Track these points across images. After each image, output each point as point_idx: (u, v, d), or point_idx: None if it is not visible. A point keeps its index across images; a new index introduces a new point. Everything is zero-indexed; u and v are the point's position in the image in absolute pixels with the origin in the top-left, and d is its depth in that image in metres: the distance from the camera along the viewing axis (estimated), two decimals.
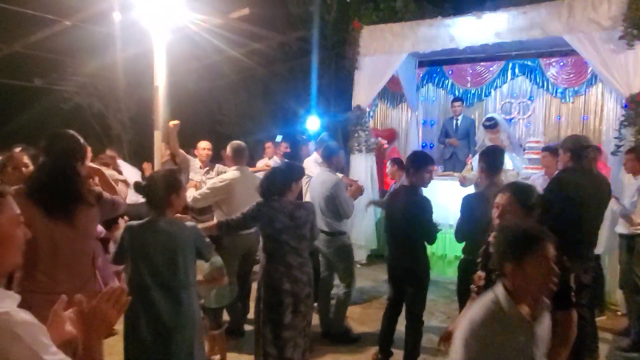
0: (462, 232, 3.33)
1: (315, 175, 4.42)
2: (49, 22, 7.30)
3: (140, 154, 6.29)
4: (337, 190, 4.02)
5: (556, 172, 3.69)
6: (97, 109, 10.58)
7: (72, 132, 2.46)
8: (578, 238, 3.24)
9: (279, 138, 7.81)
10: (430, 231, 3.44)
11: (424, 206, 3.41)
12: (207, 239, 2.66)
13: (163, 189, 2.50)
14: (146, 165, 6.52)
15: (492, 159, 3.37)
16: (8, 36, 7.94)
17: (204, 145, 5.15)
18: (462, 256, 3.44)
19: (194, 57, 8.91)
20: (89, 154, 2.59)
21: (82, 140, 2.47)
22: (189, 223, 2.64)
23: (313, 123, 8.11)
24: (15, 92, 10.30)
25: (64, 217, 2.26)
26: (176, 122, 4.70)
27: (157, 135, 5.73)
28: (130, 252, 2.48)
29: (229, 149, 4.36)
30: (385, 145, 7.90)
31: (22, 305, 2.02)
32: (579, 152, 3.31)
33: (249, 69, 10.69)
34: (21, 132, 9.02)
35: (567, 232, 3.21)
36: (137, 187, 2.58)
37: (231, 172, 4.20)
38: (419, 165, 3.48)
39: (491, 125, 6.52)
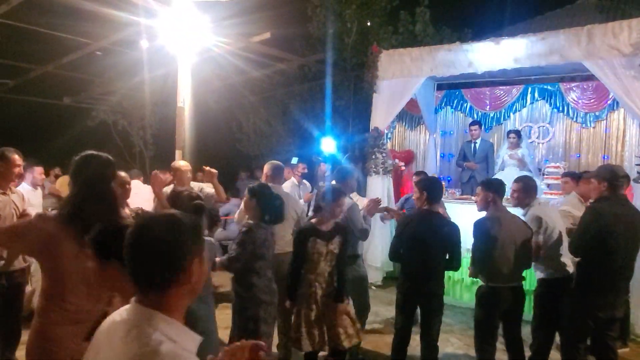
0: (478, 258, 3.37)
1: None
2: (80, 44, 7.64)
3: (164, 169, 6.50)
4: (351, 212, 4.05)
5: (590, 202, 3.64)
6: (122, 126, 10.91)
7: (103, 154, 2.27)
8: (614, 270, 3.19)
9: (294, 160, 7.89)
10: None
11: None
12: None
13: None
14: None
15: (498, 187, 3.49)
16: (42, 57, 8.32)
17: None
18: (481, 282, 3.44)
19: (216, 78, 9.15)
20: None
21: (112, 160, 2.28)
22: (207, 238, 2.74)
23: (328, 144, 8.19)
24: (46, 109, 10.75)
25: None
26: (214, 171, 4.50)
27: (178, 154, 5.88)
28: None
29: (267, 168, 4.36)
30: (403, 168, 7.92)
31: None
32: (614, 182, 3.26)
33: (269, 90, 10.93)
34: (49, 146, 9.40)
35: (603, 263, 3.19)
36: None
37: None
38: (440, 195, 3.56)
39: (516, 132, 6.66)
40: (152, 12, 5.94)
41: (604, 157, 7.29)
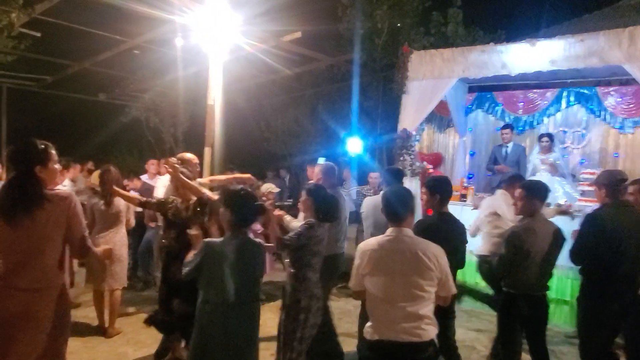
0: (506, 264, 3.27)
1: (371, 199, 4.41)
2: (116, 42, 7.85)
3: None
4: None
5: (592, 210, 3.54)
6: (153, 122, 11.15)
7: (31, 139, 2.51)
8: (616, 278, 3.11)
9: (321, 160, 7.87)
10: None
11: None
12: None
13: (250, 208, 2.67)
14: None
15: (536, 191, 3.31)
16: (79, 54, 8.59)
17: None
18: (504, 289, 3.37)
19: (246, 77, 9.24)
20: (54, 157, 2.52)
21: (41, 145, 2.49)
22: (258, 240, 2.77)
23: (355, 145, 8.15)
24: (82, 105, 11.10)
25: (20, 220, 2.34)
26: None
27: (208, 152, 5.96)
28: (208, 269, 2.58)
29: (319, 170, 4.33)
30: (431, 170, 7.81)
31: None
32: (614, 187, 3.20)
33: (297, 89, 10.97)
34: (84, 141, 9.70)
35: (604, 271, 3.12)
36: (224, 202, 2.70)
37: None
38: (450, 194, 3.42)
39: (549, 136, 6.45)
40: (186, 11, 6.05)
41: None
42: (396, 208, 2.51)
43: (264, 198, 6.51)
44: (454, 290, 2.52)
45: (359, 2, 9.37)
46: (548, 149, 6.55)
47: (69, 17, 6.70)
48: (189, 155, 4.05)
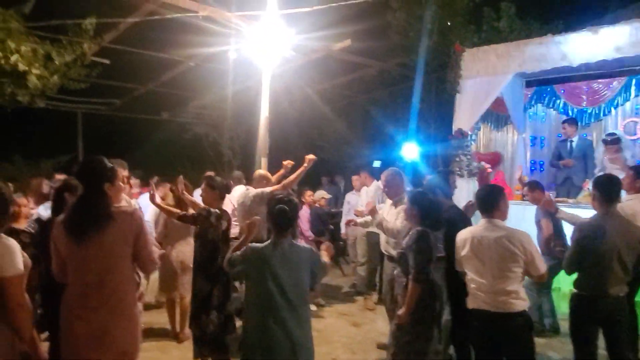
0: (573, 263, 3.13)
1: None
2: (176, 62, 8.33)
3: (248, 179, 6.88)
4: None
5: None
6: (212, 137, 11.64)
7: (99, 157, 2.54)
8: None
9: (377, 163, 7.85)
10: None
11: None
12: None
13: (296, 212, 2.67)
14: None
15: (608, 187, 3.14)
16: (143, 77, 9.19)
17: None
18: (575, 290, 3.20)
19: (298, 87, 9.43)
20: (120, 175, 2.64)
21: (109, 163, 2.53)
22: (306, 246, 2.75)
23: (409, 149, 8.07)
24: (148, 124, 11.86)
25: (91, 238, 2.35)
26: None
27: (264, 162, 6.17)
28: (255, 272, 2.57)
29: (383, 177, 4.33)
30: (489, 170, 7.58)
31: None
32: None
33: (349, 96, 11.04)
34: (149, 157, 10.32)
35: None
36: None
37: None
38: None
39: (612, 140, 5.97)
40: (240, 31, 6.32)
41: None
42: (487, 201, 2.99)
43: (316, 204, 6.64)
44: (542, 270, 2.87)
45: (408, 5, 9.31)
46: (615, 152, 6.06)
47: (134, 44, 7.20)
48: (264, 172, 4.80)
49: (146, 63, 7.98)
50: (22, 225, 3.29)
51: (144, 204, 4.52)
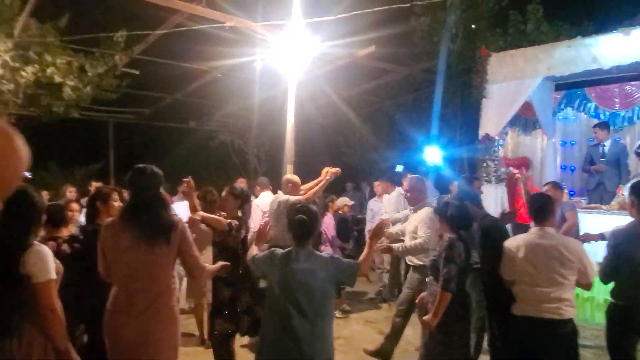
0: (610, 272, 3.03)
1: None
2: (203, 72, 8.51)
3: (273, 185, 6.94)
4: None
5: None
6: (238, 145, 11.81)
7: (151, 166, 2.59)
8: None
9: (399, 168, 7.78)
10: None
11: None
12: (351, 266, 2.63)
13: (316, 222, 2.63)
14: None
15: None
16: (171, 87, 9.42)
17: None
18: (611, 300, 3.10)
19: (323, 94, 9.49)
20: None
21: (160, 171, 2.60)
22: (326, 255, 2.68)
23: (433, 154, 7.99)
24: (175, 132, 12.14)
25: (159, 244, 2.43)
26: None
27: (290, 168, 6.22)
28: (274, 276, 2.56)
29: (406, 183, 4.38)
30: (518, 175, 7.41)
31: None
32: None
33: (374, 102, 11.03)
34: (177, 165, 10.54)
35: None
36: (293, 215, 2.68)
37: (426, 209, 4.16)
38: None
39: None
40: (266, 40, 6.41)
41: None
42: (543, 210, 3.00)
43: (339, 211, 6.65)
44: (592, 280, 2.93)
45: (433, 10, 9.26)
46: None
47: (162, 55, 7.40)
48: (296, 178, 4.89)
49: (174, 73, 8.18)
50: (68, 231, 3.26)
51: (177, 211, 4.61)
